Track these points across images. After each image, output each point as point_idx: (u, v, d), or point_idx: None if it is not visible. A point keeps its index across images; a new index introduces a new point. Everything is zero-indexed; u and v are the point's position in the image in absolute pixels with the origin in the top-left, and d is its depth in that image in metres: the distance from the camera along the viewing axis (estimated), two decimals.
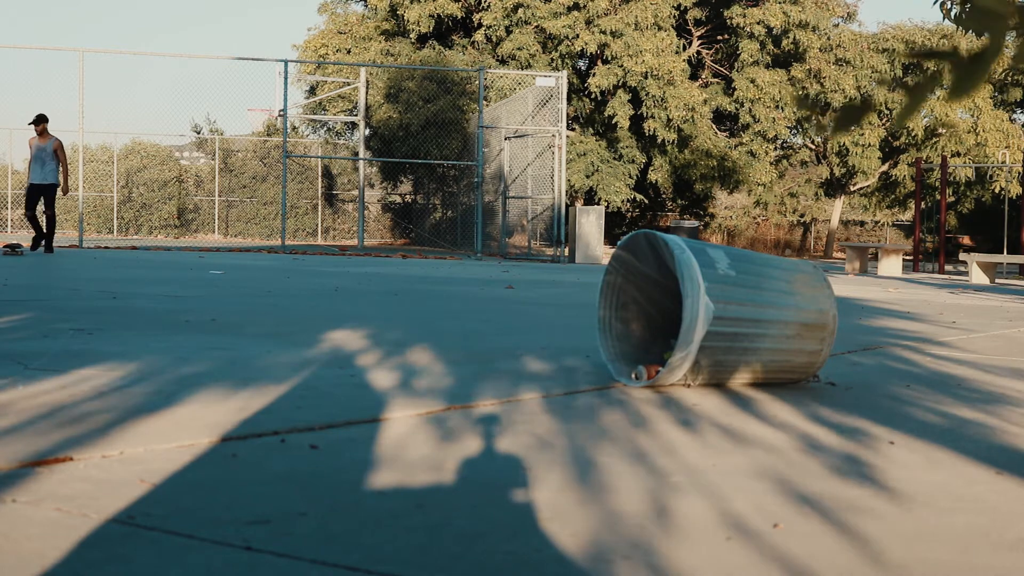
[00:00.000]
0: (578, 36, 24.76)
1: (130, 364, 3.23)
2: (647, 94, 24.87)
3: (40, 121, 13.56)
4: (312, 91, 27.69)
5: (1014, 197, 27.27)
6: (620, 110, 25.13)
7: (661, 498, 1.81)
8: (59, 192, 13.81)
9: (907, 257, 22.15)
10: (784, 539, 1.59)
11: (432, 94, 23.32)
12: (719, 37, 28.05)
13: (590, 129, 27.20)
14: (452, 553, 1.47)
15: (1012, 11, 0.84)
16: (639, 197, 27.90)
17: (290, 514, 1.64)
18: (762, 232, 37.21)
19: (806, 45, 26.70)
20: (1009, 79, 30.58)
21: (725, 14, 26.80)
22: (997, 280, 16.25)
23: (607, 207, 26.61)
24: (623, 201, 26.89)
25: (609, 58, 24.99)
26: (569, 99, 24.76)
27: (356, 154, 25.45)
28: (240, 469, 1.94)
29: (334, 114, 26.57)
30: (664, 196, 31.03)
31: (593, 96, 26.02)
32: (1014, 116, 32.51)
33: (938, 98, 28.70)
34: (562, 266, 15.34)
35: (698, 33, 28.07)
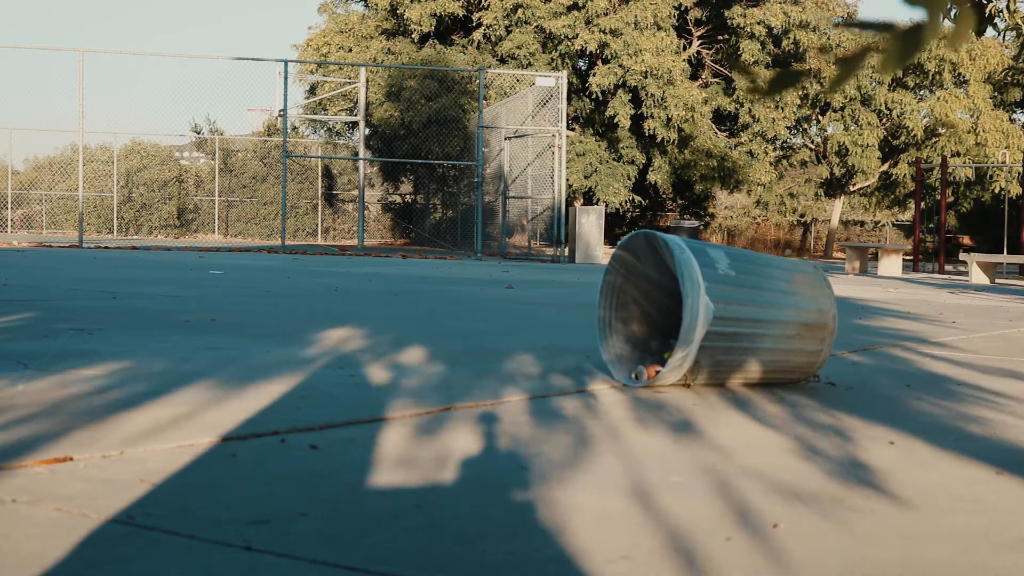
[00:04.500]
0: (578, 35, 24.77)
1: (130, 364, 3.23)
2: (647, 94, 24.87)
3: None
4: (312, 91, 27.70)
5: (1014, 197, 27.27)
6: (621, 110, 25.14)
7: (661, 499, 1.81)
8: None
9: (907, 257, 22.15)
10: (784, 539, 1.59)
11: (433, 92, 23.32)
12: (719, 37, 28.05)
13: (590, 129, 27.20)
14: (452, 553, 1.47)
15: None
16: (637, 199, 27.91)
17: (290, 514, 1.64)
18: (762, 232, 37.21)
19: (806, 45, 26.70)
20: (1009, 79, 30.57)
21: (726, 14, 26.81)
22: (997, 280, 16.25)
23: (606, 208, 26.61)
24: (622, 202, 26.90)
25: (609, 57, 25.00)
26: (569, 99, 24.76)
27: (356, 154, 25.44)
28: (240, 469, 1.94)
29: (334, 113, 26.57)
30: (664, 196, 31.04)
31: (593, 96, 26.02)
32: (1014, 116, 32.51)
33: (938, 98, 28.71)
34: (562, 266, 15.33)
35: (698, 33, 28.07)
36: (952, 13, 0.91)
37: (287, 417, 2.43)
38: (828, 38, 27.49)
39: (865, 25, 0.89)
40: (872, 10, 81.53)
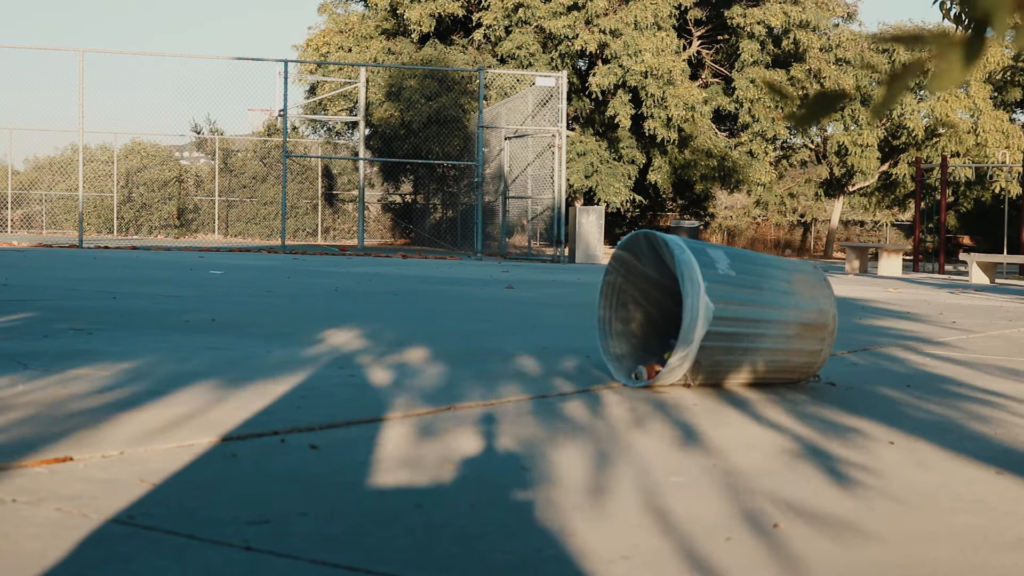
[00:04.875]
0: (578, 36, 24.77)
1: (130, 364, 3.23)
2: (647, 94, 24.87)
3: None
4: (312, 91, 27.70)
5: (1014, 197, 27.28)
6: (621, 110, 25.13)
7: (661, 499, 1.81)
8: None
9: (907, 257, 22.16)
10: (784, 539, 1.59)
11: (433, 92, 23.33)
12: (719, 37, 28.05)
13: (590, 129, 27.20)
14: (452, 553, 1.47)
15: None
16: (637, 198, 27.91)
17: (290, 514, 1.64)
18: (762, 232, 37.23)
19: (806, 45, 26.70)
20: (1009, 79, 30.57)
21: (725, 14, 26.80)
22: (997, 280, 16.25)
23: (606, 207, 26.62)
24: (622, 202, 26.90)
25: (609, 57, 25.00)
26: (569, 99, 24.76)
27: (356, 154, 25.45)
28: (240, 469, 1.94)
29: (334, 113, 26.57)
30: (664, 196, 31.04)
31: (593, 96, 26.02)
32: (1014, 116, 32.51)
33: (938, 98, 28.71)
34: (562, 266, 15.33)
35: (698, 33, 28.06)
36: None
37: (287, 417, 2.43)
38: (828, 38, 27.49)
39: (918, 39, 0.85)
40: (872, 10, 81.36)
